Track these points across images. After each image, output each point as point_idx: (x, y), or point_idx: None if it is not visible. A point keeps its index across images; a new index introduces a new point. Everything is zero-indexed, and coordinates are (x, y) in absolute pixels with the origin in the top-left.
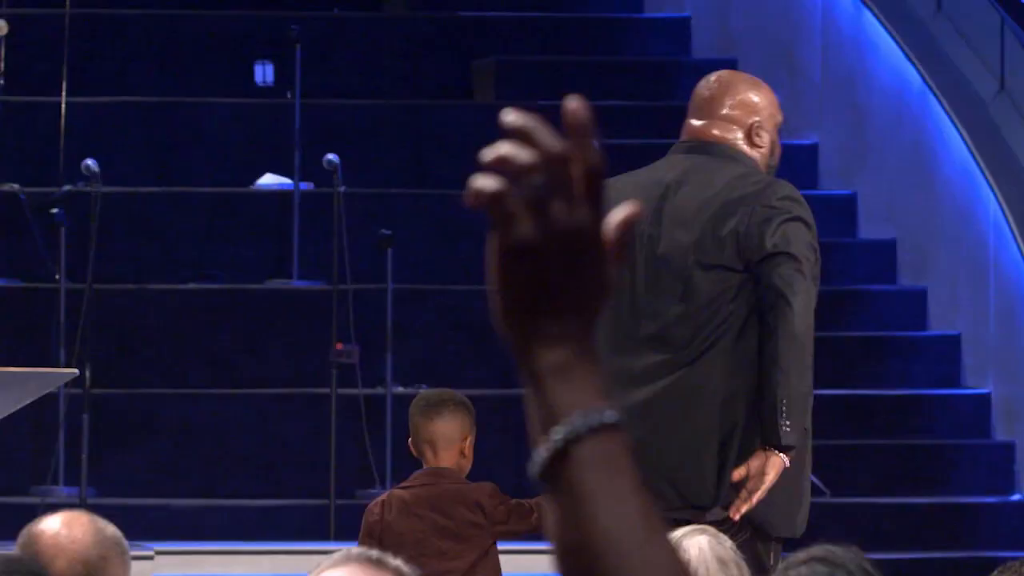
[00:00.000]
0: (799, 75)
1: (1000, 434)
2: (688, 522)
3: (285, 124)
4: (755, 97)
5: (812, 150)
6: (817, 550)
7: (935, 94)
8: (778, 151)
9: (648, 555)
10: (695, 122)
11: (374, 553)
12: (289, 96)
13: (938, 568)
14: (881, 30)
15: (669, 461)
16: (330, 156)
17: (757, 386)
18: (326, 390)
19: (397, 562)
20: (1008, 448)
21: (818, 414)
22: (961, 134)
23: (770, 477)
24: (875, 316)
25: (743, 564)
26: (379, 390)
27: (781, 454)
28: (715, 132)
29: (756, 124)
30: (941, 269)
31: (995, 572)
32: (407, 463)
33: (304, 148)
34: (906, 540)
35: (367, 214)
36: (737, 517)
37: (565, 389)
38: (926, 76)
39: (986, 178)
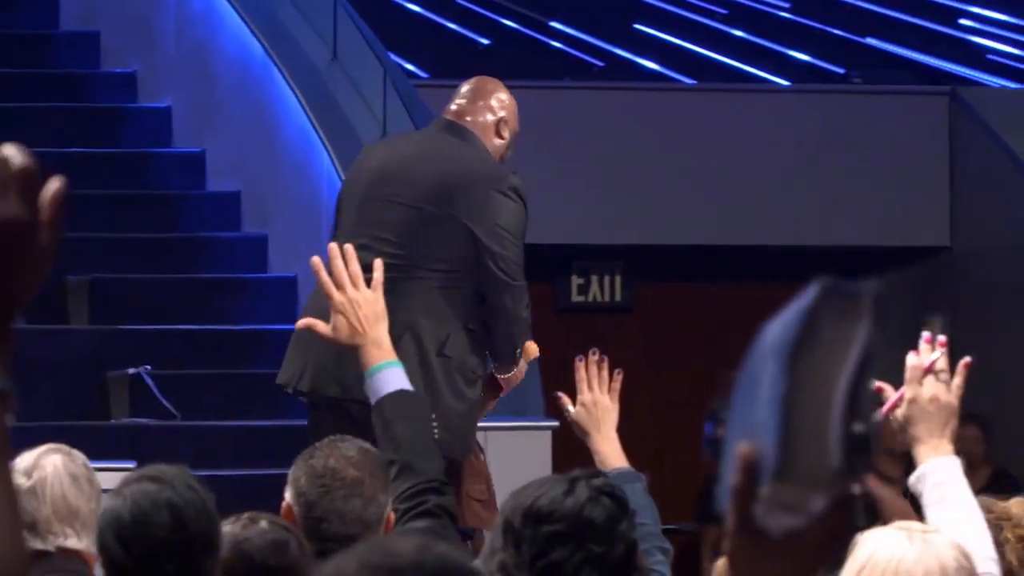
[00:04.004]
0: (155, 45)
1: None
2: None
3: None
4: (505, 99)
5: (166, 112)
6: (149, 469)
7: (275, 63)
8: (511, 150)
9: None
10: (454, 107)
11: None
12: None
13: (280, 481)
14: (228, 6)
15: (347, 363)
16: None
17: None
18: None
19: None
20: None
21: (174, 348)
22: (299, 98)
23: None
24: (223, 260)
25: (94, 478)
26: None
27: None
28: (468, 119)
29: (504, 119)
30: (281, 218)
31: (305, 451)
32: None
33: None
34: (251, 458)
35: None
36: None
37: None
38: (267, 47)
39: (320, 137)
